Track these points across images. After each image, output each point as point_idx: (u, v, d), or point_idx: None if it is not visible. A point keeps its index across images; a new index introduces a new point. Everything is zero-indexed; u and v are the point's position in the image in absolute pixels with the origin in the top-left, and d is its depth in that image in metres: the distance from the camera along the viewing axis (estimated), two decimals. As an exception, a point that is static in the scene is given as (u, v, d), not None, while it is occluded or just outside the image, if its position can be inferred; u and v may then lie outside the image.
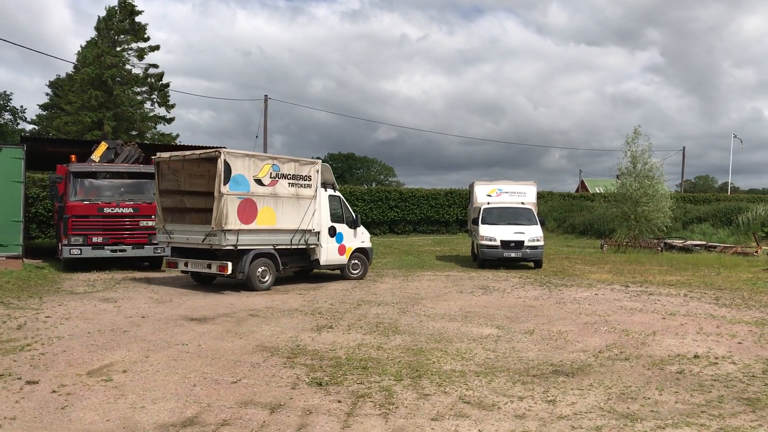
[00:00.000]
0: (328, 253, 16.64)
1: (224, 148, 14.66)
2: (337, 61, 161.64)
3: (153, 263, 19.51)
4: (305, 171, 15.82)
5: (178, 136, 48.93)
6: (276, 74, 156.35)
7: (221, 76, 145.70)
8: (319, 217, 16.19)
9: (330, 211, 16.77)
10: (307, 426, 5.86)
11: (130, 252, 18.39)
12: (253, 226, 14.59)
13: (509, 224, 20.89)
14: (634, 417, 6.20)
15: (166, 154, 15.65)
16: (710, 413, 6.34)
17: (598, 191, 58.30)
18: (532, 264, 21.05)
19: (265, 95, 44.29)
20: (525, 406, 6.53)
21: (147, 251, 18.53)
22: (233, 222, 14.15)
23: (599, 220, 36.97)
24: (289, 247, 15.58)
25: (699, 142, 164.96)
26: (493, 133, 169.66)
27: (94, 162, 19.11)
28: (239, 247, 14.43)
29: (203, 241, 14.43)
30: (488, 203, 22.10)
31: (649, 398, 6.83)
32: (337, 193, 17.20)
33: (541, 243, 20.61)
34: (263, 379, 7.39)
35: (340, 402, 6.56)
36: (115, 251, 18.20)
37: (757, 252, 26.44)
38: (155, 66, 47.28)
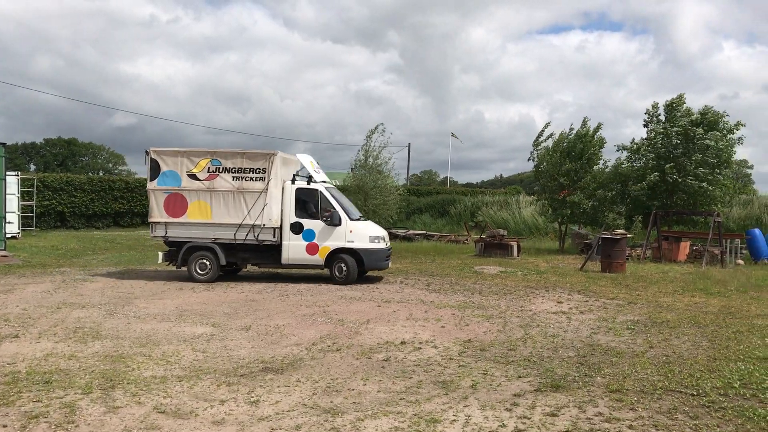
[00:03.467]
0: (291, 251, 15.31)
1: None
2: (68, 37, 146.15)
3: None
4: (258, 163, 15.12)
5: None
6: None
7: None
8: (276, 212, 15.19)
9: (296, 205, 15.32)
10: (-46, 462, 4.85)
11: None
12: (182, 219, 15.30)
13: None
14: (335, 411, 6.12)
15: None
16: (408, 399, 6.50)
17: (335, 183, 59.95)
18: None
19: (-38, 70, 38.19)
20: (226, 410, 6.13)
21: None
22: (159, 215, 15.39)
23: (332, 212, 38.02)
24: (233, 241, 15.35)
25: (430, 139, 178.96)
26: (239, 122, 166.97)
27: None
28: (170, 239, 15.55)
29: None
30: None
31: (353, 389, 6.83)
32: (315, 186, 15.44)
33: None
34: None
35: (5, 426, 5.57)
36: None
37: (467, 240, 29.09)
38: None
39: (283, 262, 15.40)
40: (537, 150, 25.94)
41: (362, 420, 5.88)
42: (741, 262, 20.63)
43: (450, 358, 8.23)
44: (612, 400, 6.53)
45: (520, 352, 8.59)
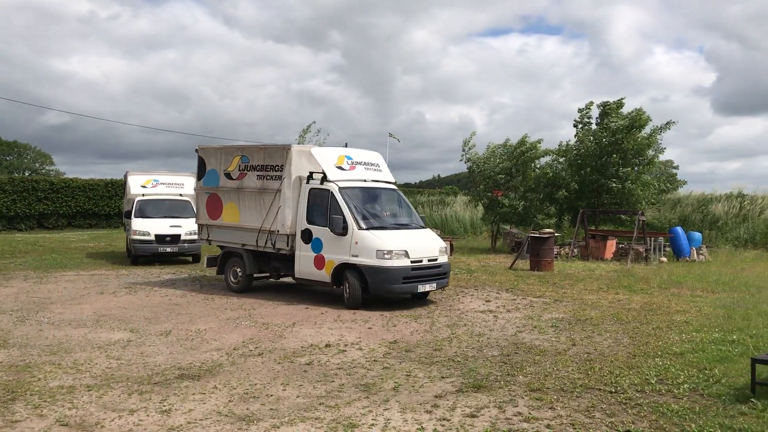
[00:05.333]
0: (302, 264, 12.76)
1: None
2: None
3: None
4: (276, 159, 13.32)
5: None
6: None
7: None
8: (290, 217, 12.88)
9: (308, 209, 12.72)
10: None
11: None
12: (219, 222, 14.45)
13: (165, 217, 19.81)
14: (251, 419, 5.92)
15: None
16: (327, 404, 6.35)
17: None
18: (190, 258, 20.25)
19: None
20: (134, 420, 5.85)
21: None
22: (203, 217, 14.86)
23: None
24: (255, 248, 13.65)
25: (372, 139, 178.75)
26: (177, 122, 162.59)
27: None
28: (212, 243, 14.96)
29: None
30: (143, 195, 20.72)
31: (272, 395, 6.64)
32: (328, 186, 12.50)
33: (199, 236, 19.95)
34: None
35: None
36: None
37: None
38: None
39: (296, 275, 13.03)
40: (469, 151, 26.14)
41: (278, 427, 5.70)
42: (664, 259, 21.25)
43: (374, 360, 8.12)
44: (532, 399, 6.54)
45: (445, 353, 8.55)
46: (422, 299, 12.86)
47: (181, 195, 21.28)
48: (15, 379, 7.11)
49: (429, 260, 12.34)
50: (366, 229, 12.03)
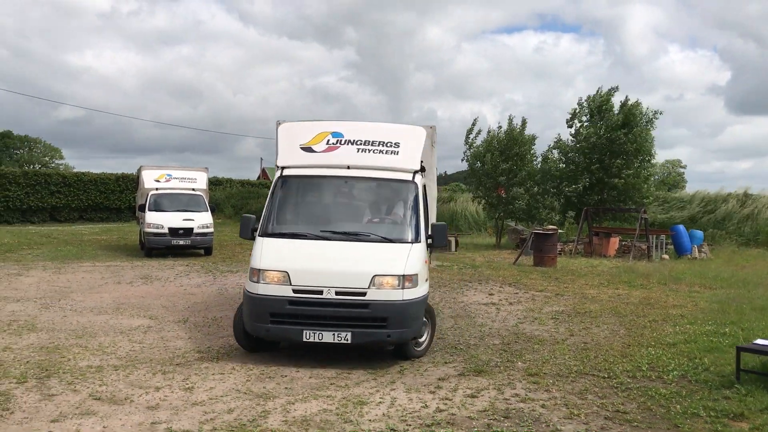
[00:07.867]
0: None
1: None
2: (12, 27, 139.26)
3: None
4: None
5: None
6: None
7: None
8: None
9: None
10: None
11: None
12: None
13: (178, 211, 20.33)
14: (267, 396, 6.40)
15: None
16: (338, 384, 6.83)
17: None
18: (202, 251, 20.78)
19: None
20: (160, 396, 6.34)
21: None
22: None
23: (274, 207, 37.88)
24: None
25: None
26: (190, 117, 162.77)
27: None
28: None
29: None
30: (157, 189, 21.23)
31: (286, 376, 7.12)
32: (278, 174, 9.12)
33: (211, 230, 20.46)
34: None
35: (-62, 415, 5.67)
36: None
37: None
38: None
39: None
40: (471, 150, 26.53)
41: (293, 403, 6.18)
42: (666, 256, 21.63)
43: (381, 347, 8.57)
44: (529, 383, 6.99)
45: (448, 341, 9.01)
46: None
47: (193, 189, 21.79)
48: (47, 359, 7.61)
49: (339, 293, 7.60)
50: (263, 236, 8.38)
